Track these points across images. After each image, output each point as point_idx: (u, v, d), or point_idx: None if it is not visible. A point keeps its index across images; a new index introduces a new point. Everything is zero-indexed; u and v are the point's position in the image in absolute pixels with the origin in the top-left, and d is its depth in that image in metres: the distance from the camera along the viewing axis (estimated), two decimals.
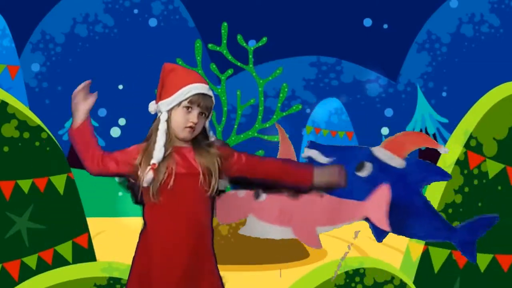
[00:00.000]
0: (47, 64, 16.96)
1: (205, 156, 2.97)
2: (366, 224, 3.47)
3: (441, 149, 3.61)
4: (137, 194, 2.97)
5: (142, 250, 3.01)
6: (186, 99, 2.95)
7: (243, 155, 3.06)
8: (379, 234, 3.63)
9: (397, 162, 3.62)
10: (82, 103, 2.95)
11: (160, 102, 2.99)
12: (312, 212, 3.63)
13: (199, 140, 3.02)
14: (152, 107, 3.04)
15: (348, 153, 3.69)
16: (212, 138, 3.06)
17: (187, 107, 2.95)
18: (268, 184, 3.11)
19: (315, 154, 3.66)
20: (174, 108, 2.96)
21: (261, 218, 3.23)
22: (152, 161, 2.88)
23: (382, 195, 3.50)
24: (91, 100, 2.96)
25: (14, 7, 15.77)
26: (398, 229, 3.69)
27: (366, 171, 3.60)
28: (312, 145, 3.70)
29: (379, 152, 3.66)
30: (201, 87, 2.98)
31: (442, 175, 3.77)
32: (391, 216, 3.56)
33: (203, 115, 2.98)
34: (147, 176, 2.88)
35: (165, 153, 2.92)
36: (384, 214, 3.50)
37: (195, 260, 2.96)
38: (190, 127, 2.94)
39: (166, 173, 2.89)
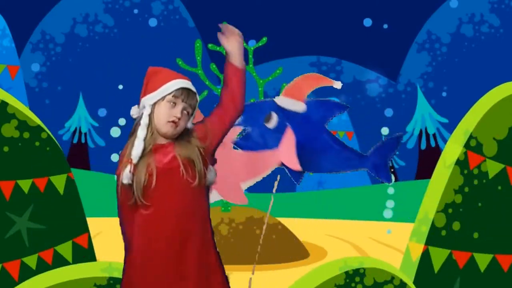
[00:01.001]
0: (47, 64, 16.97)
1: (185, 147, 2.93)
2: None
3: (335, 84, 3.99)
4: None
5: (131, 252, 3.01)
6: (170, 93, 2.93)
7: (210, 117, 3.05)
8: (296, 176, 3.87)
9: (298, 106, 3.86)
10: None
11: (144, 98, 2.97)
12: (232, 170, 3.80)
13: (180, 136, 2.98)
14: (134, 110, 3.01)
15: (254, 109, 3.93)
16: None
17: (171, 102, 2.93)
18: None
19: None
20: (158, 103, 2.94)
21: None
22: (127, 156, 2.87)
23: (288, 139, 3.73)
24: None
25: (14, 7, 15.77)
26: (310, 167, 3.94)
27: (273, 121, 3.80)
28: None
29: (281, 101, 3.93)
30: (186, 83, 2.97)
31: (340, 108, 4.07)
32: (301, 157, 3.79)
33: (187, 113, 2.96)
34: (124, 171, 2.86)
35: (145, 149, 2.89)
36: (293, 156, 3.72)
37: (184, 259, 2.92)
38: (173, 121, 2.91)
39: (146, 174, 2.86)
